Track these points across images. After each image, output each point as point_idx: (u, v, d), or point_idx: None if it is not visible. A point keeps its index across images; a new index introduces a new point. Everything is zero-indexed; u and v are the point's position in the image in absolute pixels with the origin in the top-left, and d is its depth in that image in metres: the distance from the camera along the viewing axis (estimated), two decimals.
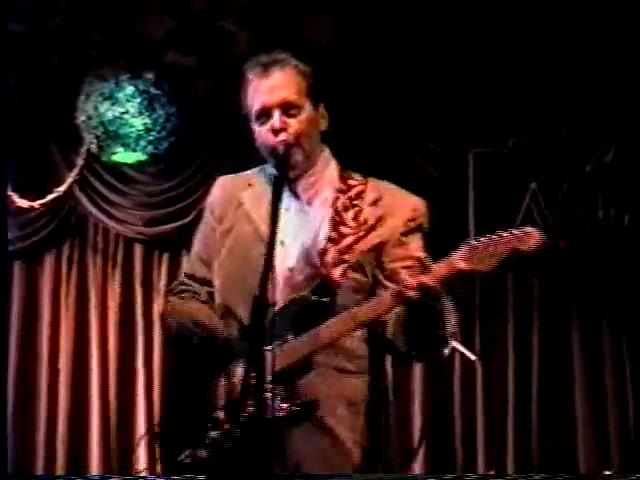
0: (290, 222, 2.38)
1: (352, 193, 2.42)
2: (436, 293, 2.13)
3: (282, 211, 2.26)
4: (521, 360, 5.18)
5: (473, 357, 4.65)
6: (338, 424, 2.30)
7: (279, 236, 2.25)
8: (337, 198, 2.41)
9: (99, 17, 4.76)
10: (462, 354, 4.64)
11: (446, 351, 4.40)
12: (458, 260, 2.13)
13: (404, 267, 2.26)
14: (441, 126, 5.23)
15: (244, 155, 2.63)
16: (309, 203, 2.42)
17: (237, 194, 2.50)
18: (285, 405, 2.21)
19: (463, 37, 4.81)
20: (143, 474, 4.81)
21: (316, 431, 2.28)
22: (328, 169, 2.48)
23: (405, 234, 2.38)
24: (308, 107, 2.39)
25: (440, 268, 2.14)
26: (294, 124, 2.35)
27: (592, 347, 5.12)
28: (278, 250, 2.28)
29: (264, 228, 2.28)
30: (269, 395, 2.16)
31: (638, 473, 4.41)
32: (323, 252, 2.34)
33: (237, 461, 2.17)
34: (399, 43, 4.91)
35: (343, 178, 2.46)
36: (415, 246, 2.36)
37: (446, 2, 4.57)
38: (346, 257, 2.32)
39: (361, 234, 2.35)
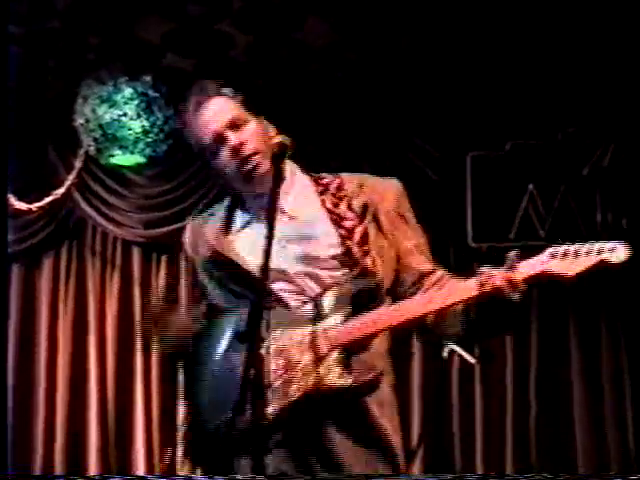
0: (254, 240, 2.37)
1: (332, 189, 2.44)
2: (521, 291, 2.15)
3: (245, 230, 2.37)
4: (519, 362, 5.18)
5: (472, 360, 4.65)
6: (385, 425, 2.32)
7: (250, 256, 2.32)
8: (323, 200, 2.42)
9: (97, 20, 4.76)
10: (461, 357, 4.64)
11: (445, 354, 4.41)
12: (551, 262, 2.15)
13: (415, 246, 2.39)
14: (439, 129, 5.23)
15: None
16: (283, 211, 2.38)
17: (200, 230, 2.54)
18: (349, 379, 2.21)
19: (461, 40, 4.81)
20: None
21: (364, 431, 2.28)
22: (295, 176, 2.48)
23: (401, 213, 2.42)
24: (253, 119, 2.42)
25: (532, 266, 2.16)
26: (249, 137, 2.37)
27: (590, 349, 5.12)
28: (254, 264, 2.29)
29: (229, 252, 2.38)
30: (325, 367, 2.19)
31: (637, 474, 4.43)
32: (346, 249, 2.33)
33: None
34: (396, 46, 4.92)
35: (315, 180, 2.48)
36: (413, 223, 2.45)
37: (444, 6, 4.57)
38: (365, 248, 2.33)
39: (365, 220, 2.37)
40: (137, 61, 5.11)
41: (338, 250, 2.34)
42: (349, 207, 2.39)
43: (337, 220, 2.38)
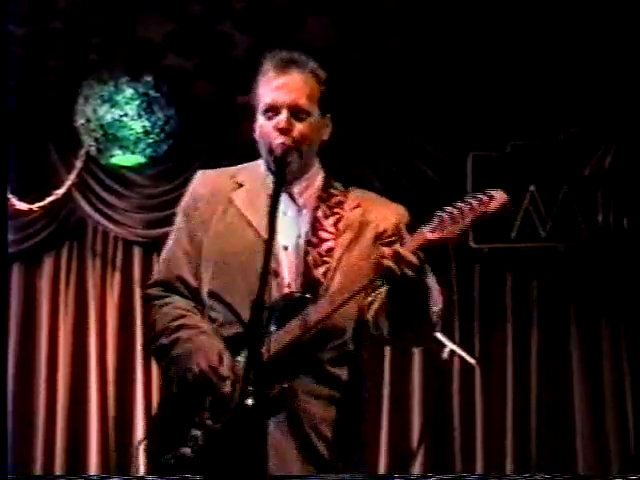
0: (289, 226, 2.39)
1: (332, 202, 2.45)
2: (412, 265, 2.15)
3: (280, 215, 2.27)
4: (520, 363, 5.18)
5: (472, 361, 4.65)
6: (321, 444, 2.31)
7: (282, 241, 2.32)
8: (318, 206, 2.43)
9: (98, 20, 4.76)
10: (461, 358, 4.64)
11: (445, 355, 4.41)
12: (427, 231, 2.17)
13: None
14: (440, 129, 5.23)
15: (243, 157, 2.60)
16: (304, 207, 2.44)
17: (225, 193, 2.47)
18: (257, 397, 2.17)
19: (462, 41, 4.81)
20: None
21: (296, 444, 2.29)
22: (318, 177, 2.50)
23: (389, 238, 2.40)
24: (316, 114, 2.39)
25: (411, 239, 2.19)
26: (299, 127, 2.35)
27: (590, 350, 5.12)
28: (283, 255, 2.35)
29: (265, 235, 2.26)
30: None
31: (637, 474, 4.44)
32: (305, 253, 2.36)
33: (223, 458, 2.16)
34: (397, 47, 4.91)
35: (325, 187, 2.49)
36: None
37: (445, 6, 4.57)
38: (326, 259, 2.35)
39: (341, 241, 2.38)
40: (138, 61, 5.11)
41: (300, 252, 2.37)
42: (335, 224, 2.41)
43: (316, 226, 2.40)
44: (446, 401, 5.19)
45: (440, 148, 5.24)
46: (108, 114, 5.12)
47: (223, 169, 2.58)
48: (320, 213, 2.42)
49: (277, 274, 2.33)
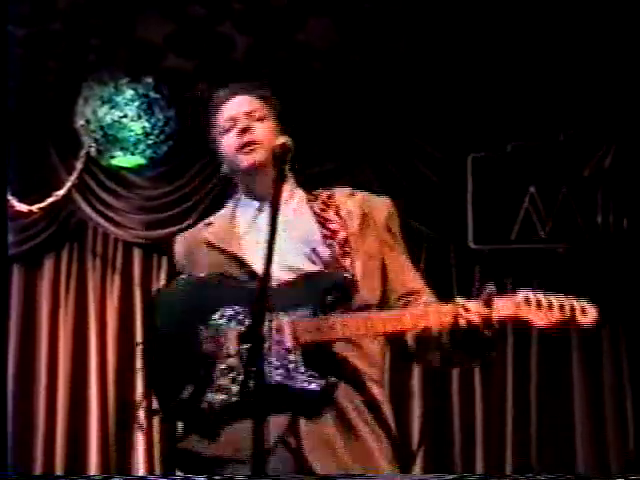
0: (299, 244, 2.41)
1: (323, 197, 2.51)
2: (494, 329, 2.20)
3: (286, 237, 2.33)
4: (519, 364, 5.18)
5: None
6: (365, 429, 2.31)
7: (302, 265, 2.36)
8: (311, 207, 2.48)
9: (98, 21, 4.76)
10: None
11: None
12: (524, 307, 2.19)
13: (404, 262, 2.47)
14: (440, 130, 5.23)
15: None
16: (300, 214, 2.47)
17: (199, 238, 2.54)
18: (315, 385, 2.21)
19: (462, 42, 4.81)
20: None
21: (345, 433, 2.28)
22: (298, 189, 2.56)
23: (391, 230, 2.48)
24: (272, 120, 2.50)
25: (507, 308, 2.20)
26: (258, 127, 2.46)
27: (590, 351, 5.12)
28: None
29: (236, 250, 2.39)
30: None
31: (637, 474, 4.43)
32: (329, 246, 2.38)
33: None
34: (397, 47, 4.92)
35: (309, 192, 2.55)
36: (401, 242, 2.52)
37: (445, 8, 4.57)
38: (346, 249, 2.37)
39: (350, 230, 2.41)
40: (138, 62, 5.11)
41: (319, 246, 2.38)
42: (336, 213, 2.44)
43: (322, 222, 2.43)
44: (446, 401, 5.20)
45: (440, 149, 5.24)
46: (108, 115, 5.12)
47: (199, 224, 2.67)
48: (317, 209, 2.46)
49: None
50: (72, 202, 5.55)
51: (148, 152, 5.25)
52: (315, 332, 2.24)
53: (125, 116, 5.11)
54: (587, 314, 2.19)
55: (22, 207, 5.40)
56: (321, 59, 5.02)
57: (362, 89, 5.16)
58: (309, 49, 4.92)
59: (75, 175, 5.48)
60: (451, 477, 3.82)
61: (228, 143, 2.49)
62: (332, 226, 2.41)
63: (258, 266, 2.23)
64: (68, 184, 5.47)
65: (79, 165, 5.47)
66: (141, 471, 5.34)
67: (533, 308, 2.18)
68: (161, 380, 2.38)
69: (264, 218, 2.41)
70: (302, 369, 2.21)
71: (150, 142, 5.20)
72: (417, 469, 5.02)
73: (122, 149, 5.21)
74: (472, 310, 2.20)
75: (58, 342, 5.59)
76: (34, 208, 5.44)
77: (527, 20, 4.60)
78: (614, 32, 4.64)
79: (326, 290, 2.28)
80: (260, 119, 2.48)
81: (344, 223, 2.42)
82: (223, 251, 2.44)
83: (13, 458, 5.32)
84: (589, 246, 5.04)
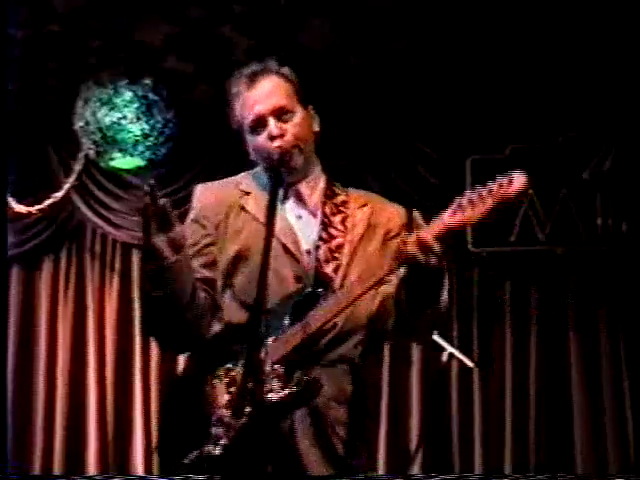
0: (307, 229, 2.41)
1: (337, 201, 2.47)
2: (435, 250, 2.15)
3: (294, 220, 2.36)
4: (519, 366, 5.18)
5: (471, 364, 4.65)
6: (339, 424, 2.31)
7: (304, 246, 2.36)
8: (324, 202, 2.45)
9: (97, 23, 4.76)
10: (460, 361, 4.64)
11: (444, 358, 4.41)
12: (446, 217, 2.16)
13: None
14: (439, 133, 5.24)
15: (243, 161, 2.59)
16: (316, 208, 2.45)
17: (233, 200, 2.45)
18: (286, 390, 2.20)
19: (461, 44, 4.81)
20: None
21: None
22: (321, 178, 2.51)
23: (397, 237, 2.43)
24: (300, 110, 2.42)
25: (431, 226, 2.17)
26: (290, 128, 2.37)
27: (589, 352, 5.13)
28: (306, 260, 2.35)
29: (284, 239, 2.34)
30: (268, 382, 2.18)
31: (637, 474, 4.43)
32: (316, 248, 2.36)
33: (250, 454, 2.15)
34: (397, 50, 4.92)
35: (329, 187, 2.50)
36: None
37: (445, 9, 4.57)
38: (336, 255, 2.36)
39: (349, 238, 2.40)
40: (137, 64, 5.11)
41: (312, 247, 2.37)
42: (342, 221, 2.42)
43: (326, 223, 2.41)
44: (445, 403, 5.20)
45: (439, 151, 5.24)
46: (107, 117, 5.12)
47: (224, 180, 2.56)
48: (328, 210, 2.43)
49: (299, 279, 2.34)
50: (71, 203, 5.56)
51: (147, 154, 5.24)
52: (294, 336, 2.24)
53: (124, 118, 5.11)
54: (514, 182, 2.16)
55: (21, 208, 5.40)
56: (320, 61, 5.01)
57: (361, 92, 5.16)
58: (309, 51, 4.92)
59: (74, 177, 5.48)
60: (451, 477, 3.81)
61: (259, 146, 2.39)
62: (332, 231, 2.40)
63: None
64: (67, 185, 5.48)
65: (78, 166, 5.47)
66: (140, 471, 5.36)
67: (459, 213, 2.15)
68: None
69: (285, 210, 2.38)
70: (277, 380, 2.21)
71: (149, 144, 5.19)
72: (417, 469, 5.02)
73: (121, 151, 5.20)
74: (407, 242, 2.17)
75: (57, 342, 5.60)
76: (33, 209, 5.44)
77: (526, 23, 4.60)
78: (614, 34, 4.64)
79: (303, 301, 2.29)
80: (289, 113, 2.38)
81: (345, 231, 2.40)
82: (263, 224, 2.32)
83: (13, 458, 5.32)
84: (588, 248, 5.05)
